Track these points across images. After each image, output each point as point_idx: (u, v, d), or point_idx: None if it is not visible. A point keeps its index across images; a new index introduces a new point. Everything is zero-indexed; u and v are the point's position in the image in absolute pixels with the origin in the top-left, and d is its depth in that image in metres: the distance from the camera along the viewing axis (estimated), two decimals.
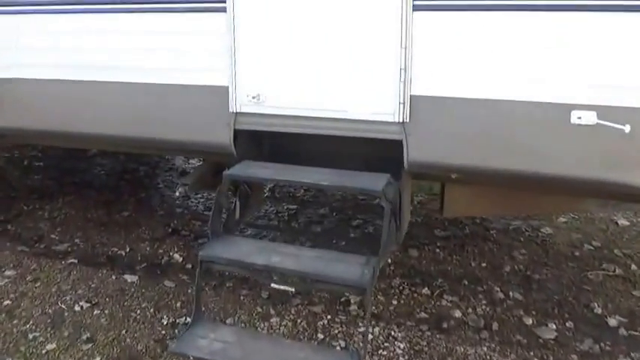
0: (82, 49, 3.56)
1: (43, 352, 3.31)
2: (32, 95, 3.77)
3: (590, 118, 2.64)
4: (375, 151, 3.21)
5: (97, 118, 3.63)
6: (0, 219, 4.95)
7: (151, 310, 3.71)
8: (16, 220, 4.94)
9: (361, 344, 3.25)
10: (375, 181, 3.04)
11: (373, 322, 3.49)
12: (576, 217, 5.00)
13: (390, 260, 4.10)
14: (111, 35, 3.49)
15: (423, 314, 3.69)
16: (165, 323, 3.57)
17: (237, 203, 3.48)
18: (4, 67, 3.79)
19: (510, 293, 3.89)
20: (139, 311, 3.70)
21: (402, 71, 2.94)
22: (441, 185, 3.63)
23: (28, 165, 6.10)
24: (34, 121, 3.83)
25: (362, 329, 3.46)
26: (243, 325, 3.55)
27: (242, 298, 3.82)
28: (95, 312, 3.69)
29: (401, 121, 3.01)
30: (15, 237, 4.70)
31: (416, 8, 2.84)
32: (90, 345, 3.37)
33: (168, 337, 3.43)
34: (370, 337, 3.36)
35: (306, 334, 3.47)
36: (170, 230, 4.79)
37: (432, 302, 3.82)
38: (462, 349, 3.33)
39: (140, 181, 5.76)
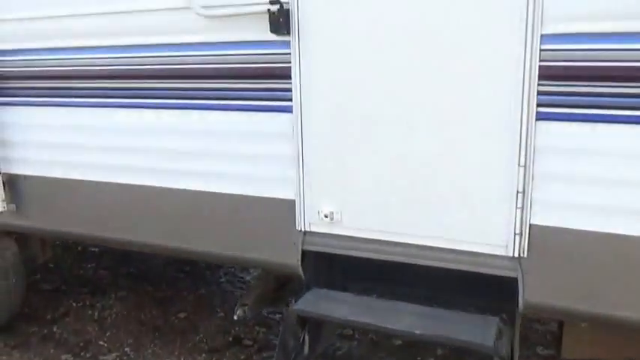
0: (124, 149, 3.13)
1: None
2: (71, 196, 3.38)
3: None
4: (480, 284, 2.55)
5: (140, 225, 3.20)
6: (47, 318, 4.52)
7: None
8: (63, 321, 4.50)
9: None
10: (482, 331, 2.38)
11: None
12: None
13: None
14: (158, 134, 3.02)
15: None
16: None
17: (306, 337, 2.87)
18: (33, 163, 3.45)
19: None
20: None
21: (520, 195, 2.29)
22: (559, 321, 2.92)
23: (82, 251, 5.73)
24: (75, 225, 3.44)
25: None
26: None
27: None
28: None
29: (516, 255, 2.35)
30: (60, 342, 4.25)
31: (541, 117, 2.21)
32: None
33: None
34: None
35: None
36: (231, 339, 4.22)
37: None
38: None
39: (200, 274, 5.25)
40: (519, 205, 2.30)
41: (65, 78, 3.18)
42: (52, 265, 5.34)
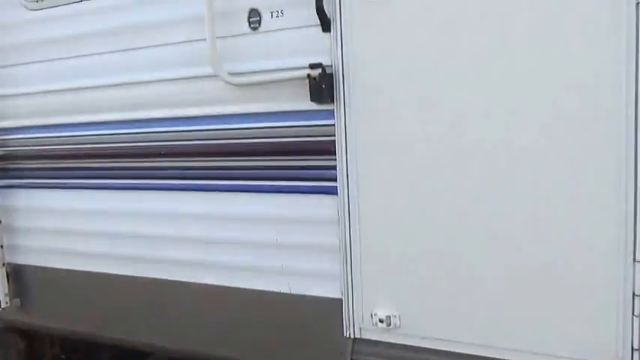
0: (137, 237, 2.72)
1: None
2: (79, 290, 2.99)
3: None
4: None
5: (157, 326, 2.77)
6: None
7: None
8: None
9: None
10: None
11: None
12: None
13: None
14: (176, 220, 2.61)
15: None
16: None
17: None
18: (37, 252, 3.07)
19: None
20: None
21: (637, 299, 1.79)
22: None
23: (90, 347, 5.22)
24: (84, 323, 3.02)
25: None
26: None
27: None
28: None
29: None
30: None
31: None
32: None
33: None
34: None
35: None
36: None
37: None
38: None
39: None
40: (637, 311, 1.79)
41: (72, 157, 2.85)
42: (63, 357, 4.83)
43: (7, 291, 3.21)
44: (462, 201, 2.03)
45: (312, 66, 2.18)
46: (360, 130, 2.17)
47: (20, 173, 3.05)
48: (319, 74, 2.17)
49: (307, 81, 2.20)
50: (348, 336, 2.29)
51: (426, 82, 2.05)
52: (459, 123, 2.01)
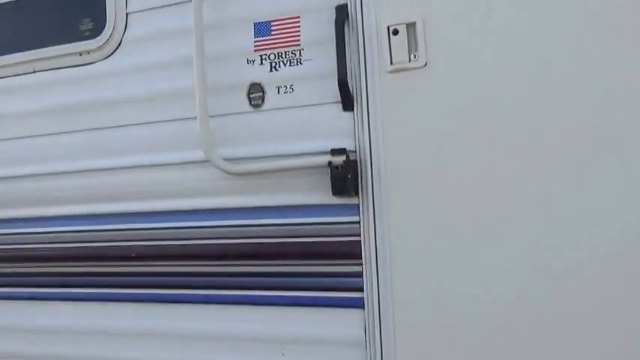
0: None
1: None
2: None
3: None
4: None
5: None
6: None
7: None
8: None
9: None
10: None
11: None
12: None
13: None
14: (160, 341, 2.08)
15: None
16: None
17: None
18: None
19: None
20: None
21: None
22: None
23: None
24: None
25: None
26: None
27: None
28: None
29: None
30: None
31: None
32: None
33: None
34: None
35: None
36: None
37: None
38: None
39: None
40: None
41: (21, 260, 2.29)
42: None
43: None
44: (525, 321, 1.64)
45: (335, 152, 1.80)
46: (392, 228, 1.77)
47: None
48: (344, 161, 1.78)
49: (323, 170, 1.82)
50: None
51: (473, 171, 1.69)
52: (516, 216, 1.65)
